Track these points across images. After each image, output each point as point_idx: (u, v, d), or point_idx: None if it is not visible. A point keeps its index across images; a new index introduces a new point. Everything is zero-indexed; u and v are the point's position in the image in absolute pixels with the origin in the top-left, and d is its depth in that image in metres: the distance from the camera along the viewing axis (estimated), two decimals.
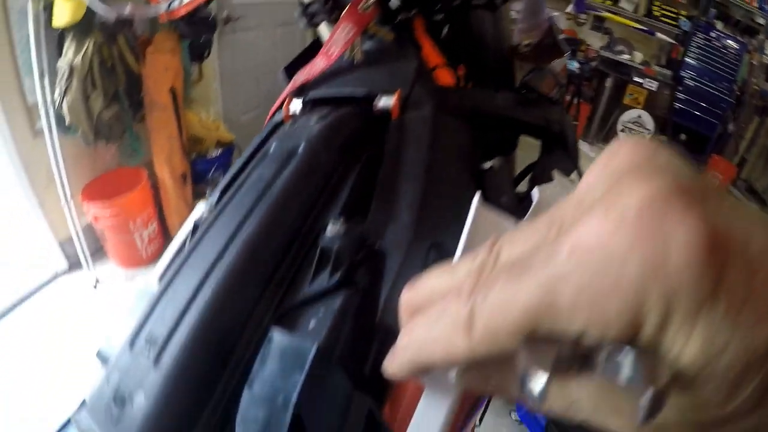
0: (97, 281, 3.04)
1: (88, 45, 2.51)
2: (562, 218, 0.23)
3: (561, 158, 0.79)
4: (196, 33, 1.28)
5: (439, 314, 0.25)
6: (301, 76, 0.74)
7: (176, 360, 0.37)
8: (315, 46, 0.92)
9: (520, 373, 0.21)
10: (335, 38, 0.72)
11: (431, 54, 0.77)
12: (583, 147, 5.46)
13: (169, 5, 1.08)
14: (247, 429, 0.33)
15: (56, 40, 2.57)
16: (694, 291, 0.18)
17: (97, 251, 3.11)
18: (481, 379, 0.28)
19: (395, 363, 0.28)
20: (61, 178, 2.74)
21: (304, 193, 0.50)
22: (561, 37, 1.06)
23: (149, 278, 0.54)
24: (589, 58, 5.39)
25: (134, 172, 3.08)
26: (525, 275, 0.21)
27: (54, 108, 2.61)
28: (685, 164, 0.22)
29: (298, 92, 0.72)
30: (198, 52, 3.12)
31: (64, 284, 3.12)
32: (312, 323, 0.42)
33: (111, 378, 0.39)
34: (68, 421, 0.47)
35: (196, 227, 0.59)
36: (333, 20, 0.82)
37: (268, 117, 0.78)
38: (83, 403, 0.43)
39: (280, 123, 0.70)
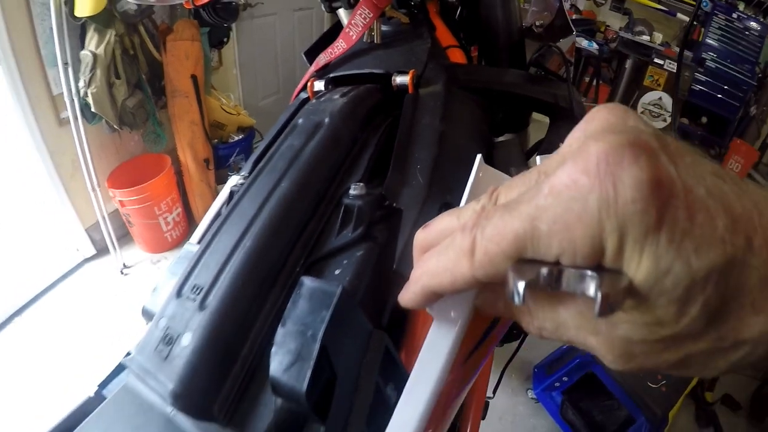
0: (124, 266, 3.12)
1: (110, 35, 2.56)
2: (546, 169, 0.28)
3: (568, 132, 0.82)
4: (219, 20, 1.32)
5: (447, 246, 0.30)
6: (324, 57, 0.79)
7: (220, 303, 0.42)
8: (334, 30, 0.97)
9: (508, 290, 0.25)
10: (354, 21, 0.77)
11: (444, 35, 0.82)
12: None
13: None
14: (281, 358, 0.38)
15: (78, 30, 2.62)
16: (640, 222, 0.23)
17: (123, 236, 3.19)
18: (490, 302, 0.34)
19: (409, 292, 0.33)
20: (87, 165, 2.81)
21: (330, 160, 0.56)
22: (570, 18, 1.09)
23: (189, 242, 0.59)
24: (608, 40, 5.31)
25: (158, 158, 3.16)
26: (515, 210, 0.26)
27: (79, 97, 2.67)
28: (648, 127, 0.27)
29: (321, 72, 0.78)
30: (217, 39, 3.17)
31: (92, 269, 3.21)
32: (337, 271, 0.48)
33: (159, 324, 0.45)
34: (119, 367, 0.53)
35: (232, 194, 0.64)
36: (351, 5, 0.86)
37: (294, 95, 0.83)
38: (129, 353, 0.49)
39: (306, 100, 0.75)
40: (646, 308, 0.24)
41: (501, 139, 0.83)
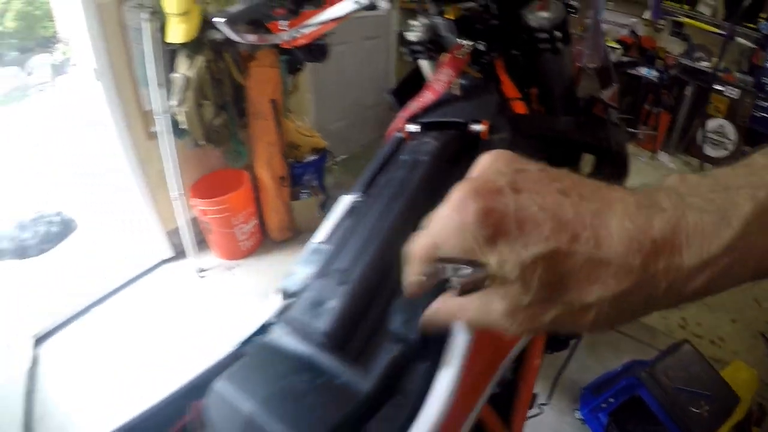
0: (201, 270, 3.39)
1: (200, 60, 2.81)
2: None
3: (609, 171, 1.03)
4: (312, 59, 1.52)
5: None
6: (414, 105, 1.00)
7: (356, 281, 0.65)
8: (414, 75, 1.19)
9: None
10: (439, 77, 0.98)
11: (509, 88, 1.01)
12: (663, 158, 5.36)
13: (291, 36, 1.32)
14: (398, 317, 0.61)
15: (168, 54, 2.88)
16: (482, 235, 0.36)
17: (200, 242, 3.45)
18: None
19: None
20: (174, 175, 3.08)
21: (429, 188, 0.78)
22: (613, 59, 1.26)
23: (313, 240, 0.83)
24: (668, 66, 5.25)
25: (237, 173, 3.41)
26: (427, 231, 0.42)
27: (168, 115, 2.94)
28: (511, 169, 0.40)
29: (413, 118, 0.99)
30: (294, 66, 3.41)
31: (170, 270, 3.49)
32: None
33: (306, 295, 0.66)
34: (261, 328, 0.75)
35: (350, 209, 0.86)
36: (432, 57, 1.08)
37: (388, 134, 1.05)
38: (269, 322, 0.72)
39: (402, 139, 0.97)
40: (507, 285, 0.38)
41: None
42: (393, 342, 0.63)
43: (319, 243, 0.83)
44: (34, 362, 2.80)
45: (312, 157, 3.60)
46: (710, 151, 5.15)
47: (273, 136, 3.25)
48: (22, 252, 4.29)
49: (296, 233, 3.67)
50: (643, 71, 5.26)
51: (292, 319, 0.66)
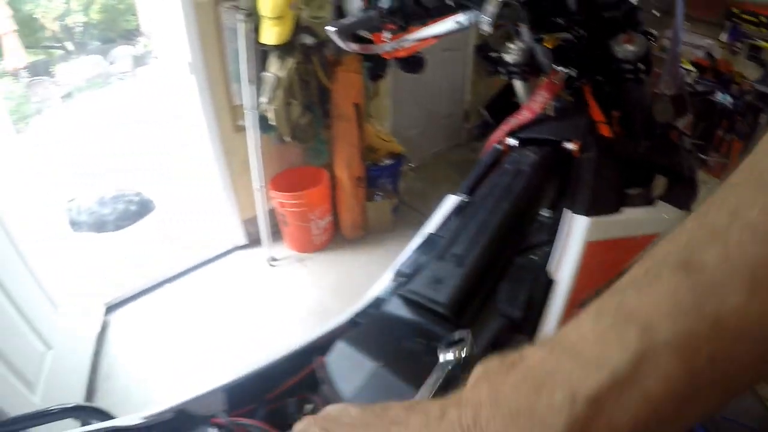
0: (273, 259, 3.58)
1: (290, 62, 3.00)
2: None
3: (679, 194, 1.16)
4: (409, 70, 1.65)
5: None
6: (512, 121, 1.15)
7: (471, 263, 0.80)
8: (505, 92, 1.34)
9: None
10: (536, 98, 1.12)
11: (596, 112, 1.14)
12: None
13: (392, 47, 1.46)
14: (505, 296, 0.76)
15: (260, 54, 3.08)
16: None
17: (273, 234, 3.62)
18: None
19: None
20: (257, 168, 3.29)
21: (529, 194, 0.92)
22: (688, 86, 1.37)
23: (423, 232, 0.98)
24: (743, 92, 5.07)
25: (315, 171, 3.60)
26: None
27: (257, 110, 3.14)
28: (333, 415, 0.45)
29: (511, 133, 1.13)
30: (376, 73, 3.57)
31: (242, 257, 3.71)
32: (533, 257, 0.85)
33: (426, 273, 0.81)
34: (375, 301, 0.90)
35: (459, 207, 1.01)
36: (525, 78, 1.21)
37: (487, 145, 1.20)
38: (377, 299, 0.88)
39: (501, 151, 1.12)
40: None
41: (631, 191, 1.16)
42: (499, 317, 0.77)
43: (432, 233, 0.99)
44: (104, 327, 3.05)
45: (388, 162, 3.75)
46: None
47: (354, 138, 3.41)
48: (100, 226, 4.61)
49: (367, 233, 3.80)
50: (718, 96, 5.16)
51: (412, 293, 0.80)
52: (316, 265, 3.56)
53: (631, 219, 1.03)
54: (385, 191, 3.79)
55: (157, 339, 2.98)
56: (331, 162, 3.59)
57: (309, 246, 3.65)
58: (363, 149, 3.51)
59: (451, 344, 0.64)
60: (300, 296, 3.26)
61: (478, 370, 0.37)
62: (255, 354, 2.62)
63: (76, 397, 2.47)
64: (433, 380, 0.63)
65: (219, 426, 0.76)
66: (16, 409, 1.97)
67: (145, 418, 0.75)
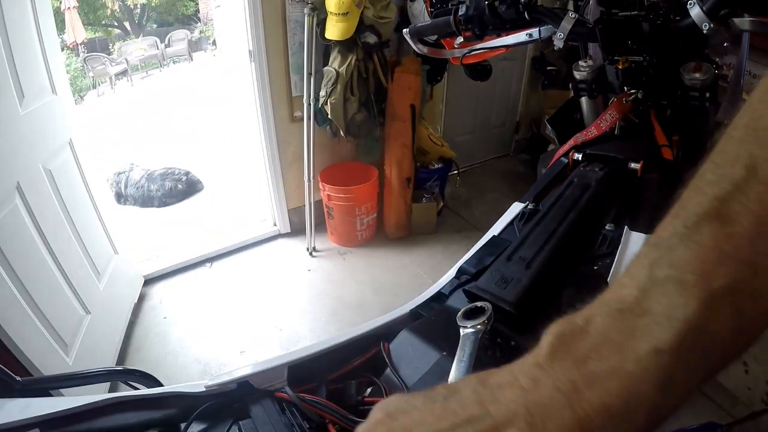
0: (315, 249, 3.65)
1: (352, 58, 3.05)
2: None
3: None
4: (476, 77, 1.66)
5: None
6: (581, 136, 1.16)
7: (538, 266, 0.83)
8: (569, 105, 1.35)
9: None
10: (605, 117, 1.13)
11: (659, 135, 1.15)
12: None
13: (462, 54, 1.48)
14: (568, 299, 0.78)
15: (322, 48, 3.16)
16: None
17: (318, 225, 3.69)
18: None
19: None
20: (308, 158, 3.35)
21: (594, 208, 0.94)
22: None
23: (488, 233, 1.01)
24: None
25: (365, 167, 3.66)
26: None
27: (315, 103, 3.20)
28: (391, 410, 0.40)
29: (578, 148, 1.15)
30: (434, 77, 3.61)
31: (284, 244, 3.79)
32: (595, 267, 0.87)
33: (494, 274, 0.84)
34: (436, 295, 0.93)
35: (523, 214, 1.04)
36: (593, 96, 1.23)
37: (555, 158, 1.22)
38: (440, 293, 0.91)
39: (566, 164, 1.14)
40: None
41: None
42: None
43: (496, 236, 1.02)
44: (141, 299, 3.15)
45: (438, 165, 3.78)
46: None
47: (407, 139, 3.45)
48: (146, 201, 4.78)
49: (410, 233, 3.83)
50: None
51: (479, 289, 0.83)
52: (357, 259, 3.60)
53: None
54: (432, 194, 3.81)
55: (191, 316, 3.06)
56: (381, 160, 3.63)
57: (352, 240, 3.69)
58: (414, 151, 3.54)
59: (470, 315, 0.67)
60: (337, 288, 3.30)
61: (548, 338, 0.38)
62: (285, 339, 2.70)
63: (107, 363, 2.55)
64: (467, 353, 0.66)
65: (283, 401, 0.79)
66: (50, 369, 2.06)
67: (208, 387, 0.79)
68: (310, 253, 3.63)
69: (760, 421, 2.11)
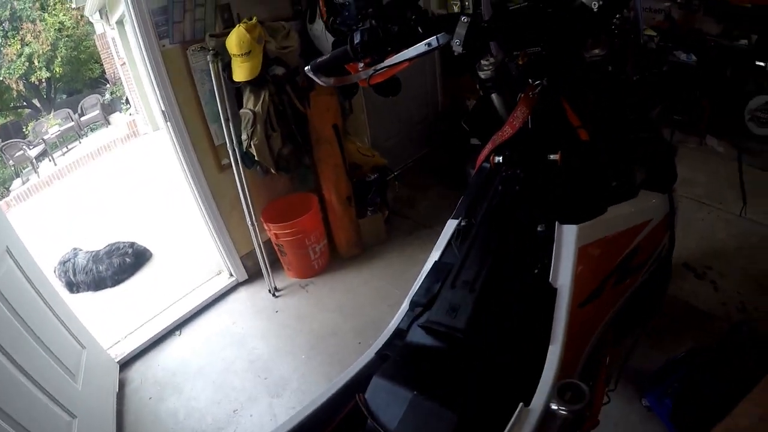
0: (276, 289, 3.62)
1: (264, 95, 3.03)
2: None
3: (659, 178, 1.26)
4: (386, 94, 1.69)
5: None
6: (497, 138, 1.20)
7: (480, 288, 0.85)
8: (482, 105, 1.39)
9: None
10: (516, 115, 1.17)
11: (572, 117, 1.19)
12: (711, 142, 5.29)
13: (369, 76, 1.49)
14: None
15: (234, 91, 3.14)
16: None
17: (272, 264, 3.66)
18: None
19: None
20: (246, 203, 3.33)
21: (524, 213, 0.98)
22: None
23: (429, 259, 1.05)
24: (706, 48, 5.12)
25: (304, 196, 3.65)
26: None
27: (239, 147, 3.19)
28: None
29: (497, 150, 1.19)
30: (349, 91, 3.62)
31: (245, 292, 3.74)
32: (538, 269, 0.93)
33: (443, 304, 0.87)
34: (395, 333, 0.96)
35: (458, 232, 1.07)
36: (501, 92, 1.26)
37: (477, 164, 1.25)
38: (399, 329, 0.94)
39: (490, 169, 1.17)
40: None
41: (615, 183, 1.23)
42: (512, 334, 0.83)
43: (438, 261, 1.04)
44: (121, 385, 3.08)
45: (373, 176, 3.78)
46: (756, 129, 5.11)
47: (338, 159, 3.46)
48: (98, 284, 4.63)
49: (363, 249, 3.84)
50: (682, 56, 5.22)
51: (432, 323, 0.86)
52: (319, 288, 3.59)
53: (618, 215, 1.10)
54: (375, 205, 3.82)
55: (175, 389, 3.00)
56: (318, 186, 3.63)
57: (309, 271, 3.68)
58: (347, 168, 3.55)
59: (564, 392, 0.68)
60: (308, 323, 3.29)
61: None
62: (273, 386, 2.69)
63: None
64: None
65: None
66: None
67: None
68: (273, 294, 3.60)
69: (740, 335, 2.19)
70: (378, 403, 0.83)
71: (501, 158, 1.19)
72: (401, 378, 0.83)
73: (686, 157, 4.27)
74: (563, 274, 0.91)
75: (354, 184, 3.66)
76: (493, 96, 1.32)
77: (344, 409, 0.89)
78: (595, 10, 0.95)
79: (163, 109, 3.01)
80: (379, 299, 3.33)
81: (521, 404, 0.73)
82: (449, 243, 1.10)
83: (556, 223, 1.00)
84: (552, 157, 1.11)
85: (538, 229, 1.00)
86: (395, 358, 0.91)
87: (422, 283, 1.03)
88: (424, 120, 5.14)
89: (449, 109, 4.90)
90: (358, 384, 0.90)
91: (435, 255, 1.09)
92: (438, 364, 0.84)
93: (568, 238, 0.97)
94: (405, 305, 1.02)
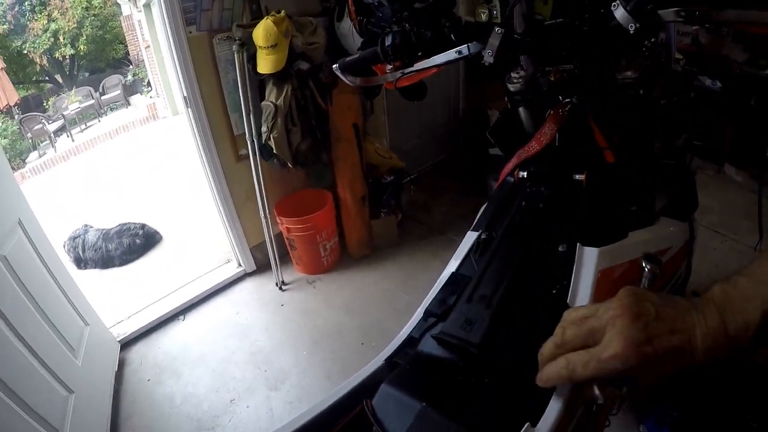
0: (283, 282, 3.63)
1: (287, 89, 3.03)
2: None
3: (680, 206, 1.26)
4: (412, 98, 1.68)
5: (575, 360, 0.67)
6: (523, 153, 1.19)
7: (498, 304, 0.85)
8: (507, 117, 1.38)
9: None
10: (544, 131, 1.16)
11: (599, 138, 1.18)
12: (729, 171, 5.27)
13: (396, 78, 1.49)
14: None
15: (257, 83, 3.14)
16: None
17: (282, 257, 3.68)
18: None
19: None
20: (261, 195, 3.34)
21: (545, 231, 0.98)
22: None
23: (446, 270, 1.03)
24: (731, 75, 5.11)
25: (319, 193, 3.65)
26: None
27: (258, 138, 3.19)
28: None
29: (522, 165, 1.18)
30: (372, 91, 3.61)
31: (253, 283, 3.75)
32: (557, 290, 0.92)
33: (458, 317, 0.87)
34: (407, 340, 0.95)
35: (478, 245, 1.06)
36: (530, 106, 1.26)
37: (501, 177, 1.25)
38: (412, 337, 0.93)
39: (513, 183, 1.17)
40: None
41: (635, 208, 1.22)
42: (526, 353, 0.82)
43: (455, 272, 1.04)
44: (121, 365, 3.10)
45: (390, 178, 3.78)
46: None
47: (355, 158, 3.46)
48: (106, 262, 4.67)
49: (374, 250, 3.83)
50: (707, 82, 5.16)
51: (446, 334, 0.85)
52: (326, 285, 3.59)
53: (638, 241, 1.09)
54: (389, 207, 3.82)
55: (174, 373, 3.01)
56: (334, 183, 3.63)
57: (318, 267, 3.68)
58: (364, 168, 3.55)
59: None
60: (313, 318, 3.29)
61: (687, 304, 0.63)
62: (272, 379, 2.69)
63: None
64: None
65: None
66: None
67: None
68: (280, 288, 3.60)
69: None
70: (385, 410, 0.82)
71: (526, 173, 1.19)
72: (410, 388, 0.82)
73: (703, 184, 4.20)
74: (581, 296, 0.90)
75: (370, 184, 3.66)
76: (521, 109, 1.31)
77: (350, 414, 0.88)
78: (632, 32, 0.94)
79: (185, 94, 3.02)
80: (386, 302, 3.32)
81: (527, 424, 0.72)
82: (467, 255, 1.09)
83: (578, 244, 0.99)
84: (578, 177, 1.10)
85: (559, 248, 0.99)
86: (405, 367, 0.91)
87: (438, 293, 1.02)
88: (445, 125, 5.12)
89: (470, 116, 4.86)
90: (365, 389, 0.89)
91: (453, 266, 1.08)
92: (449, 376, 0.84)
93: (589, 260, 0.96)
94: (419, 313, 1.01)
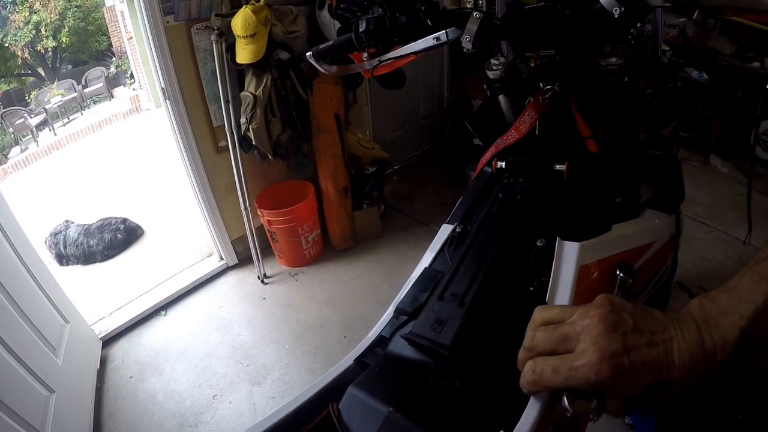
0: (265, 276, 3.57)
1: (267, 79, 2.97)
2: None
3: (666, 198, 1.20)
4: (389, 86, 1.63)
5: (544, 365, 0.62)
6: (501, 142, 1.14)
7: (471, 302, 0.80)
8: (488, 106, 1.33)
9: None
10: (523, 119, 1.11)
11: (582, 127, 1.14)
12: (715, 162, 5.29)
13: (373, 66, 1.44)
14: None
15: (236, 73, 3.08)
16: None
17: (264, 250, 3.63)
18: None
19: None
20: (241, 187, 3.28)
21: (523, 225, 0.93)
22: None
23: (419, 265, 0.98)
24: (718, 67, 5.15)
25: (300, 184, 3.59)
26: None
27: (238, 130, 3.13)
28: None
29: (500, 155, 1.13)
30: (354, 81, 3.56)
31: (234, 276, 3.69)
32: (534, 287, 0.88)
33: (429, 316, 0.82)
34: (377, 340, 0.91)
35: (452, 239, 1.01)
36: (510, 93, 1.21)
37: (478, 169, 1.20)
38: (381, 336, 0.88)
39: (491, 174, 1.12)
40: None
41: (618, 200, 1.16)
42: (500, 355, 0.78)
43: (428, 268, 0.98)
44: (102, 362, 3.04)
45: (372, 169, 3.73)
46: (763, 153, 5.08)
47: (337, 150, 3.41)
48: (88, 258, 4.58)
49: (357, 242, 3.79)
50: (694, 74, 5.19)
51: (416, 335, 0.80)
52: (309, 278, 3.55)
53: (622, 235, 1.04)
54: (372, 198, 3.78)
55: (156, 369, 2.96)
56: (315, 175, 3.59)
57: (300, 260, 3.64)
58: (346, 159, 3.51)
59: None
60: (296, 312, 3.25)
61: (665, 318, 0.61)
62: (254, 374, 2.65)
63: None
64: None
65: None
66: None
67: None
68: (262, 281, 3.55)
69: None
70: (352, 415, 0.77)
71: (504, 164, 1.14)
72: (378, 391, 0.77)
73: (689, 175, 4.16)
74: (561, 293, 0.85)
75: (352, 175, 3.62)
76: (501, 97, 1.26)
77: (314, 419, 0.83)
78: (616, 16, 0.90)
79: (163, 86, 2.95)
80: (369, 294, 3.29)
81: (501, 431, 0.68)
82: (441, 249, 1.04)
83: (557, 238, 0.94)
84: (558, 167, 1.05)
85: (537, 243, 0.94)
86: (374, 368, 0.86)
87: (409, 290, 0.96)
88: (429, 116, 5.08)
89: (455, 106, 4.83)
90: (334, 391, 0.84)
91: (425, 261, 1.03)
92: (419, 379, 0.79)
93: (569, 255, 0.91)
94: (390, 311, 0.96)
